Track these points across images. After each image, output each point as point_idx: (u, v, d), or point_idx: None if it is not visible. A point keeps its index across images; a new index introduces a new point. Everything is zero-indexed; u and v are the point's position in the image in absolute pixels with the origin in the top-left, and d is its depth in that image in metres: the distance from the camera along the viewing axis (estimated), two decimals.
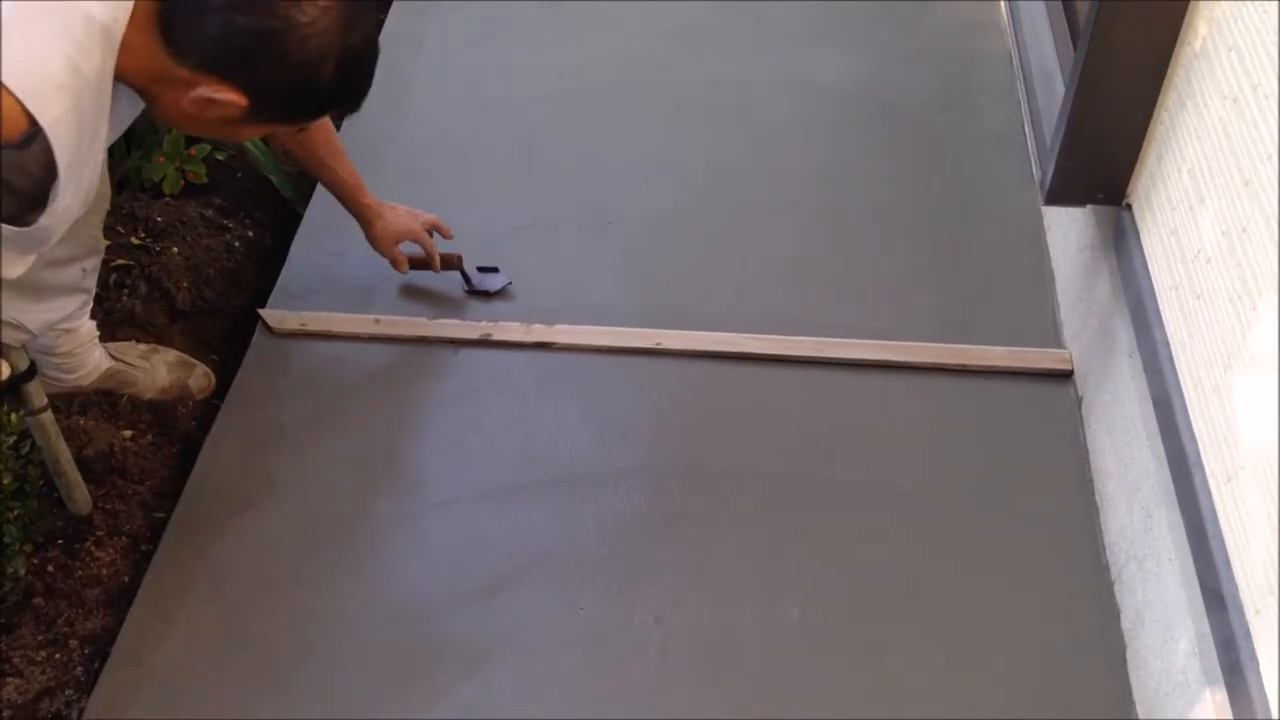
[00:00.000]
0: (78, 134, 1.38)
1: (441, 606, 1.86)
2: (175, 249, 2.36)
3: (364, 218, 2.24)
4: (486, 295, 2.32)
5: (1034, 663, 1.79)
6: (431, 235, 2.30)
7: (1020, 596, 1.87)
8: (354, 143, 2.65)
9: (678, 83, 2.86)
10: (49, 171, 1.37)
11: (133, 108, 1.61)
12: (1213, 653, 1.47)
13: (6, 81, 1.29)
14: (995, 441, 2.09)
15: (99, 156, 1.49)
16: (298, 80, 1.51)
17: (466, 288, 2.33)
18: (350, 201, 2.21)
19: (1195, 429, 1.61)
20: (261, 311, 2.28)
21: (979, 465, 2.05)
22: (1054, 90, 2.20)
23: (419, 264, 2.31)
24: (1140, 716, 1.71)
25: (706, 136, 2.73)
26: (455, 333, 2.24)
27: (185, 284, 2.32)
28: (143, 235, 2.36)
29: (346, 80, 1.56)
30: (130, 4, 1.41)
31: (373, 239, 2.26)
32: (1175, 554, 1.64)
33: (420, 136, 2.70)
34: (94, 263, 1.90)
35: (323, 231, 2.46)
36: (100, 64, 1.39)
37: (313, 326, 2.25)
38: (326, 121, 2.06)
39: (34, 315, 1.81)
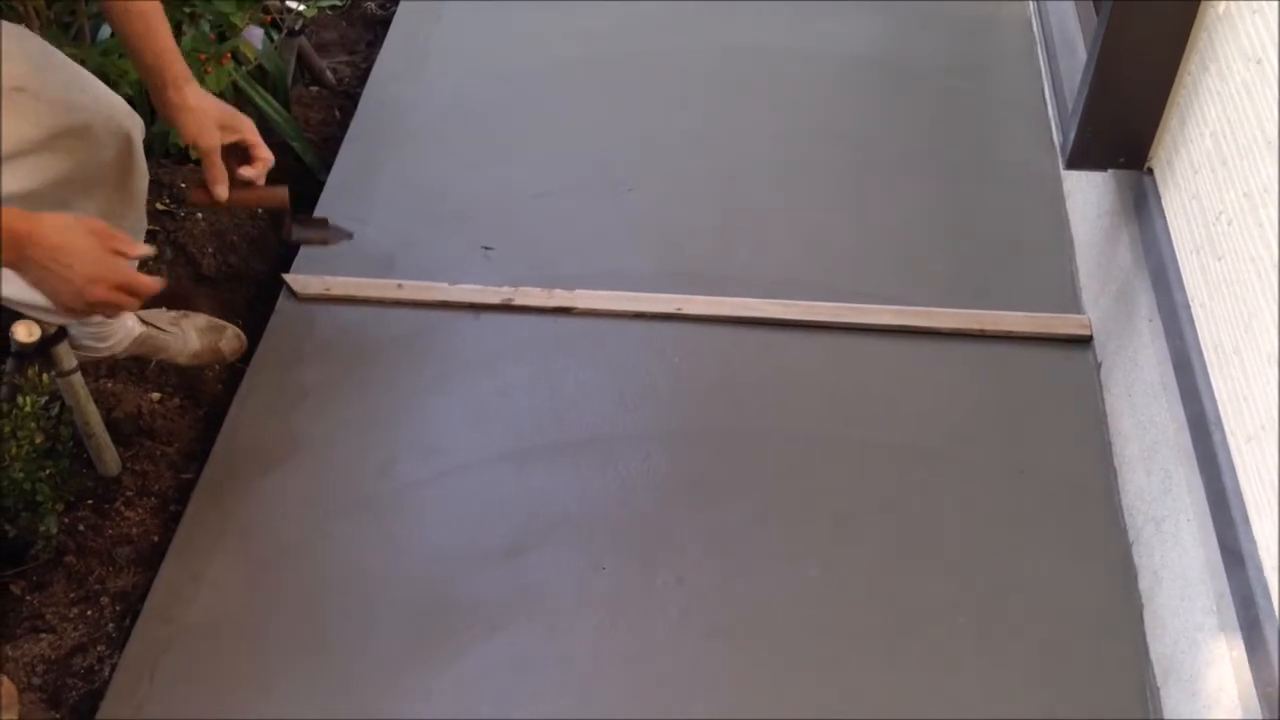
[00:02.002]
0: None
1: (465, 566, 1.88)
2: (200, 215, 2.38)
3: (162, 83, 1.67)
4: (321, 244, 1.97)
5: (1051, 622, 1.81)
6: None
7: (1038, 558, 1.88)
8: (373, 110, 2.68)
9: (696, 48, 2.86)
10: None
11: None
12: (1231, 611, 1.48)
13: None
14: (1014, 406, 2.10)
15: None
16: None
17: (286, 236, 1.88)
18: (156, 61, 1.65)
19: (1215, 390, 1.62)
20: (286, 276, 2.30)
21: (998, 429, 2.06)
22: (1075, 55, 2.20)
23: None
24: (1157, 675, 1.73)
25: (725, 103, 2.73)
26: (477, 298, 2.26)
27: (210, 249, 2.34)
28: (168, 201, 2.38)
29: None
30: None
31: (186, 120, 1.68)
32: (1194, 514, 1.66)
33: (439, 104, 2.71)
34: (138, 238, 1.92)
35: (345, 197, 2.47)
36: None
37: (336, 291, 2.27)
38: None
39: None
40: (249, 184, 1.74)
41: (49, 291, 1.50)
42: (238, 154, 1.75)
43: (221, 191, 1.72)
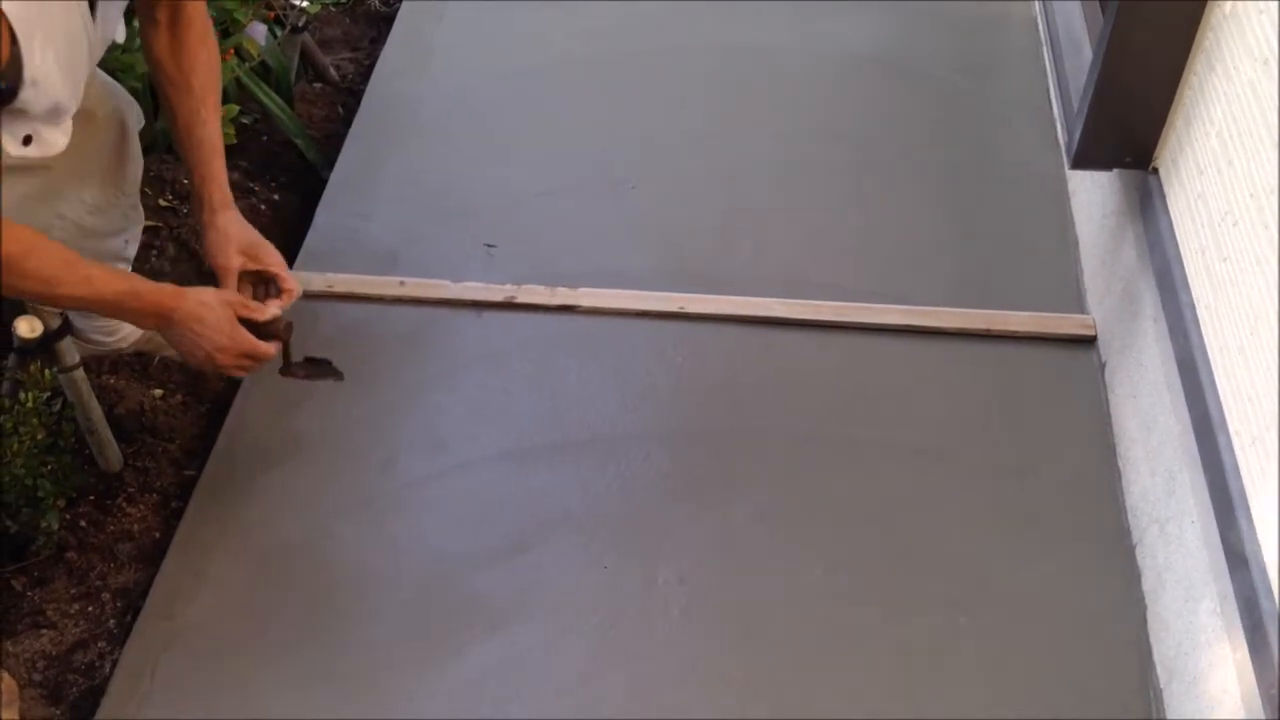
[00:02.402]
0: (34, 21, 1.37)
1: (467, 564, 1.88)
2: None
3: (202, 196, 1.79)
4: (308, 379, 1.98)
5: (1054, 623, 1.80)
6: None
7: (1041, 559, 1.88)
8: (376, 107, 2.68)
9: (698, 47, 2.86)
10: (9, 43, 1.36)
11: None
12: (1235, 612, 1.48)
13: None
14: (1018, 406, 2.10)
15: (74, 22, 1.46)
16: None
17: (283, 367, 1.88)
18: (201, 169, 1.77)
19: (1220, 391, 1.61)
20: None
21: (1001, 430, 2.06)
22: (1081, 55, 2.19)
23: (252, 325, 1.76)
24: (1161, 676, 1.72)
25: (728, 102, 2.72)
26: (480, 295, 2.26)
27: None
28: (170, 198, 2.38)
29: None
30: None
31: (209, 239, 1.79)
32: (1198, 516, 1.65)
33: (442, 102, 2.70)
34: (135, 232, 1.92)
35: (347, 195, 2.47)
36: None
37: (339, 288, 2.27)
38: (211, 47, 1.75)
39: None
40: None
41: (183, 353, 1.71)
42: (264, 283, 1.83)
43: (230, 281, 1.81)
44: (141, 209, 1.94)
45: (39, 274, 1.56)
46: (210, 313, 1.67)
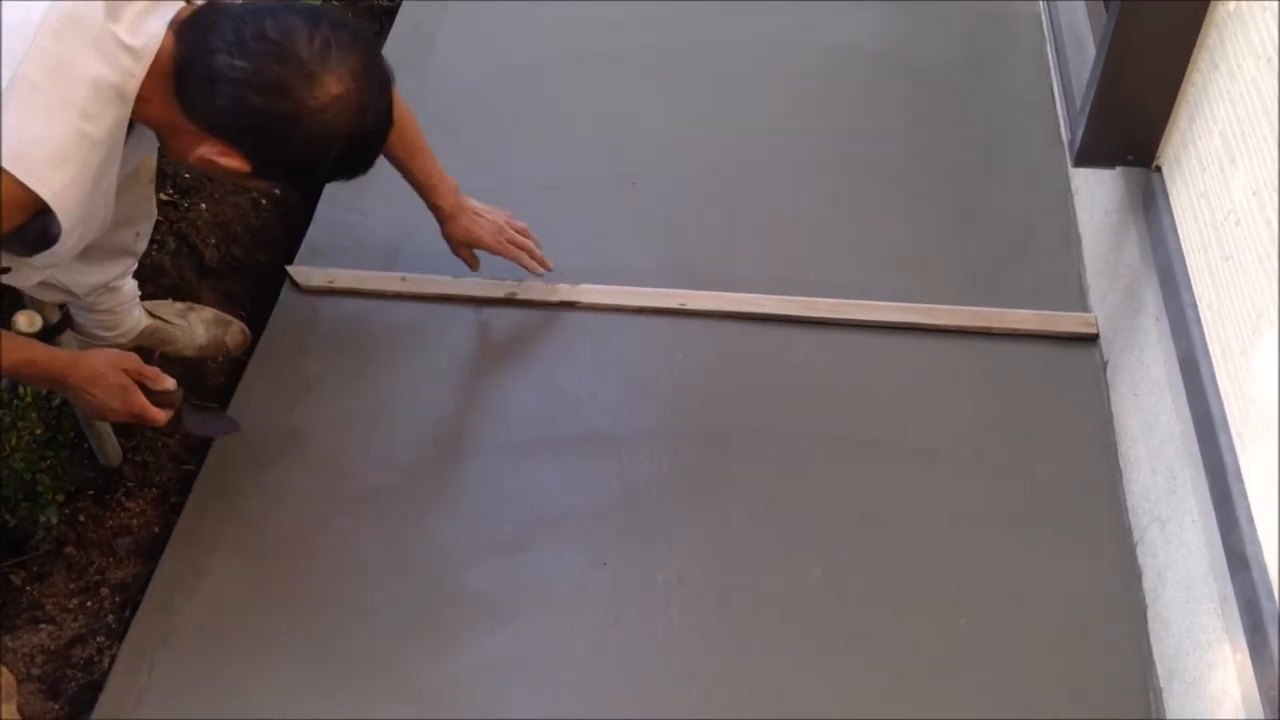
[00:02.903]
0: (87, 193, 1.46)
1: (466, 560, 1.88)
2: (203, 205, 2.37)
3: (437, 218, 2.12)
4: (209, 439, 2.02)
5: (1054, 623, 1.80)
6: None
7: (1041, 558, 1.88)
8: None
9: (702, 43, 2.85)
10: (54, 235, 1.46)
11: (153, 144, 1.67)
12: (1235, 613, 1.47)
13: (6, 165, 1.35)
14: (1019, 404, 2.09)
15: (110, 190, 1.53)
16: (302, 159, 1.53)
17: (179, 427, 1.91)
18: (424, 199, 2.11)
19: (1222, 391, 1.61)
20: (289, 268, 2.29)
21: (1002, 428, 2.05)
22: (1084, 52, 2.18)
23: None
24: (1161, 676, 1.72)
25: (731, 97, 2.71)
26: (480, 291, 2.25)
27: (213, 240, 2.34)
28: (171, 192, 2.38)
29: (352, 159, 1.58)
30: (149, 57, 1.44)
31: (446, 238, 2.15)
32: (1199, 516, 1.65)
33: (443, 97, 2.69)
34: (147, 226, 1.93)
35: (348, 190, 2.43)
36: (112, 122, 1.45)
37: (339, 284, 2.27)
38: (403, 119, 1.94)
39: (82, 278, 1.86)
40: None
41: (81, 408, 1.83)
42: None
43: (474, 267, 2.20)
44: (154, 201, 1.94)
45: None
46: (103, 380, 1.75)
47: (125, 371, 1.77)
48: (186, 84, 1.47)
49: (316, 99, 1.47)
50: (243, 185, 1.64)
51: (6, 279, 1.62)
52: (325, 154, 1.52)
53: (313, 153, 1.52)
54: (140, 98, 1.47)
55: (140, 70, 1.45)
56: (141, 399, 1.78)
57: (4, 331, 1.70)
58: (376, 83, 1.56)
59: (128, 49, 1.44)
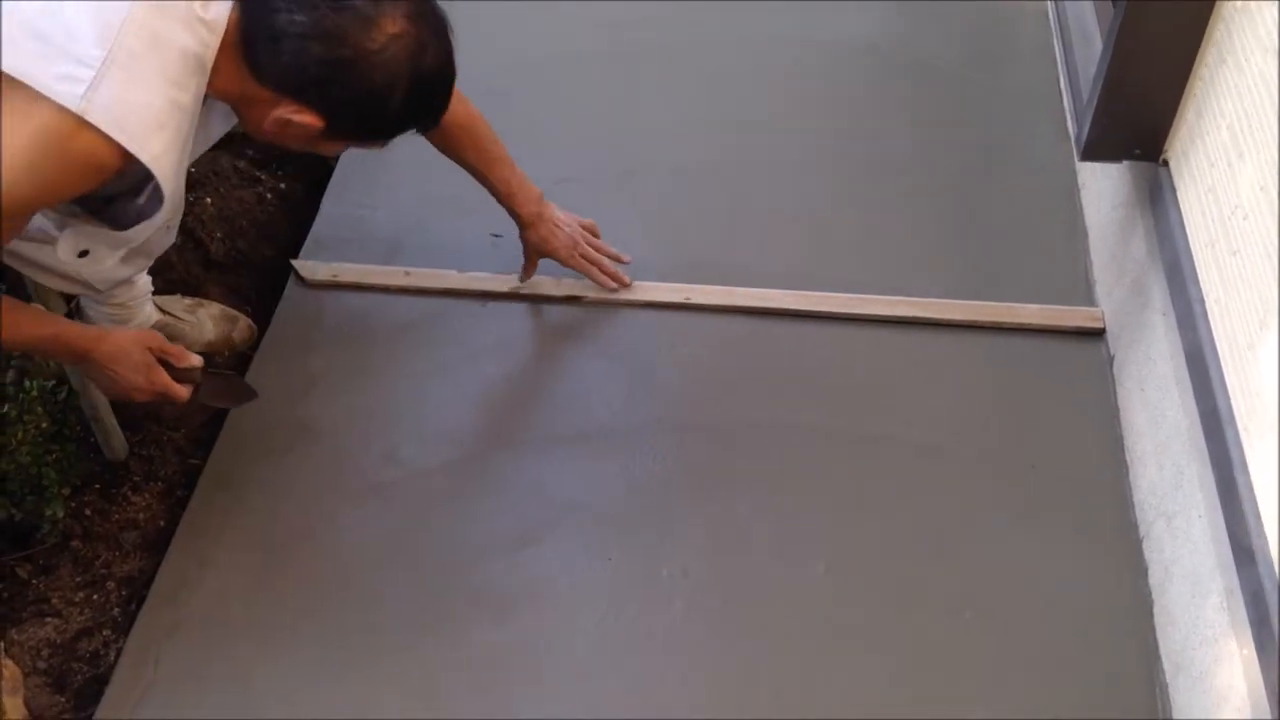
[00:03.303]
0: (178, 161, 1.52)
1: (470, 554, 1.88)
2: (209, 199, 2.37)
3: (517, 222, 2.16)
4: (225, 407, 2.04)
5: (1060, 618, 1.79)
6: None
7: (1047, 553, 1.87)
8: None
9: (707, 38, 2.84)
10: (155, 202, 1.55)
11: (226, 121, 1.73)
12: (1241, 607, 1.47)
13: (107, 127, 1.41)
14: (1025, 399, 2.09)
15: (185, 166, 1.59)
16: (369, 104, 1.58)
17: (197, 401, 1.90)
18: (503, 206, 2.14)
19: (1229, 385, 1.60)
20: (294, 262, 2.29)
21: (1008, 422, 2.05)
22: (1091, 45, 2.17)
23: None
24: (1167, 671, 1.72)
25: (736, 92, 2.71)
26: (485, 285, 2.25)
27: (219, 234, 2.34)
28: None
29: (418, 103, 1.64)
30: (221, 29, 1.51)
31: (521, 242, 2.18)
32: (1205, 510, 1.64)
33: None
34: (178, 219, 1.94)
35: (353, 184, 2.47)
36: (196, 91, 1.52)
37: (344, 278, 2.27)
38: (477, 128, 2.05)
39: (113, 272, 1.87)
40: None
41: (101, 388, 1.83)
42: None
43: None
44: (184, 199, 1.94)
45: None
46: (127, 357, 1.76)
47: (149, 349, 1.79)
48: (253, 48, 1.53)
49: (375, 40, 1.53)
50: (320, 150, 1.70)
51: (85, 262, 1.67)
52: (390, 97, 1.58)
53: (378, 96, 1.57)
54: (215, 69, 1.52)
55: (215, 41, 1.51)
56: (165, 376, 1.79)
57: (33, 305, 1.78)
58: (432, 24, 1.63)
59: (203, 21, 1.50)
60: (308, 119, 1.56)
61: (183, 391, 1.82)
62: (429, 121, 1.70)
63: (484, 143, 2.07)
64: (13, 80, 1.39)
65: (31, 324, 1.69)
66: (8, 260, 1.74)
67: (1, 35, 1.39)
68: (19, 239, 1.63)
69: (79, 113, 1.40)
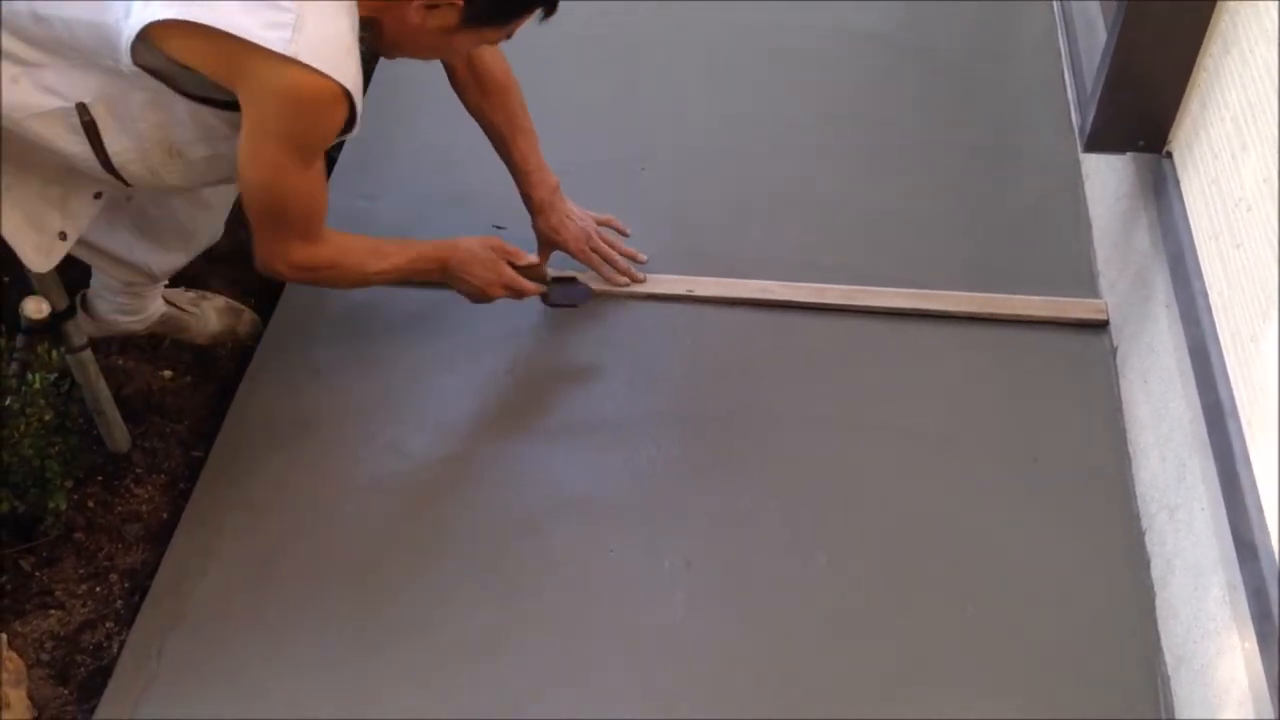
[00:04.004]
0: (360, 79, 1.58)
1: (472, 546, 1.88)
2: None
3: (528, 209, 2.16)
4: (572, 306, 2.18)
5: (1062, 611, 1.79)
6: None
7: (1050, 546, 1.87)
8: (385, 87, 2.67)
9: (712, 26, 2.84)
10: (349, 126, 1.62)
11: None
12: (1243, 601, 1.47)
13: (316, 63, 1.50)
14: (1028, 391, 2.08)
15: None
16: None
17: (545, 301, 2.14)
18: (518, 184, 2.14)
19: (1232, 378, 1.60)
20: None
21: (1011, 414, 2.05)
22: (1095, 36, 2.16)
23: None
24: (1168, 664, 1.72)
25: (740, 81, 2.71)
26: None
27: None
28: None
29: None
30: None
31: (534, 231, 2.18)
32: (1208, 503, 1.64)
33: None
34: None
35: (355, 175, 2.47)
36: (352, 7, 1.58)
37: None
38: (512, 92, 2.08)
39: (168, 260, 1.96)
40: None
41: (462, 291, 2.01)
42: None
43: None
44: None
45: (356, 266, 1.87)
46: (477, 258, 1.96)
47: (493, 249, 1.96)
48: None
49: None
50: (451, 49, 1.79)
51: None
52: None
53: None
54: None
55: None
56: (513, 272, 1.98)
57: (375, 239, 1.93)
58: None
59: None
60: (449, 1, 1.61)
61: (530, 286, 2.01)
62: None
63: (515, 108, 2.09)
64: (221, 34, 1.47)
65: (398, 253, 1.91)
66: (75, 251, 1.80)
67: None
68: (93, 232, 1.74)
69: (291, 55, 1.48)
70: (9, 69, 1.55)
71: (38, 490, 1.81)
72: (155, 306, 2.08)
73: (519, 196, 2.18)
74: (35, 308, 1.77)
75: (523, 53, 2.74)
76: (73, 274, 2.02)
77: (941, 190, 2.44)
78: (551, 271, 2.15)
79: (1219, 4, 1.76)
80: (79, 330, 1.87)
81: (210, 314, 2.18)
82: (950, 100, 2.66)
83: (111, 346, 2.11)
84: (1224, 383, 1.61)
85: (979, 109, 2.63)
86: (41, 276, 1.78)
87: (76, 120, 1.60)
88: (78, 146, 1.63)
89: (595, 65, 2.73)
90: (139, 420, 2.04)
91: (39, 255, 1.72)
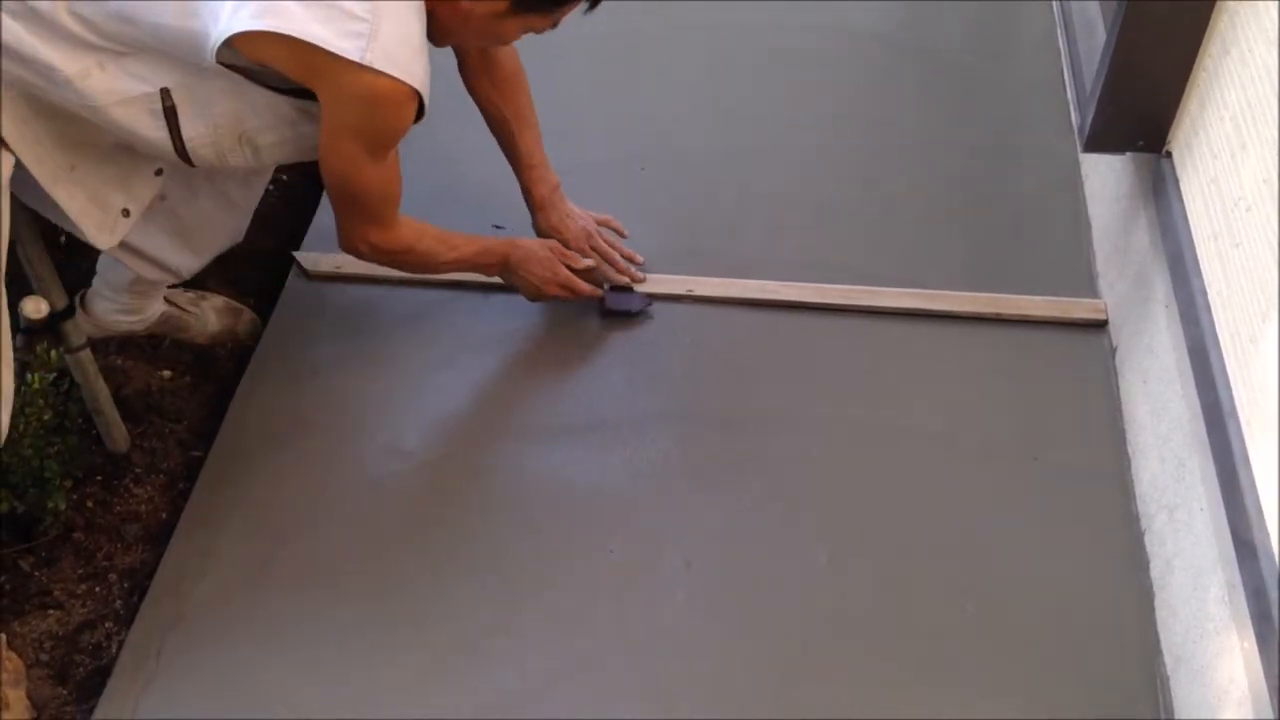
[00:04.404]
0: (428, 80, 1.64)
1: (471, 545, 1.88)
2: None
3: (528, 205, 2.17)
4: (627, 315, 2.18)
5: (1061, 610, 1.79)
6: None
7: (1049, 545, 1.87)
8: None
9: (711, 25, 2.84)
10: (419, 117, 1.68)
11: None
12: (1243, 601, 1.47)
13: (388, 68, 1.57)
14: (1028, 391, 2.08)
15: None
16: None
17: (602, 308, 2.18)
18: (520, 179, 2.16)
19: (1231, 378, 1.60)
20: (296, 254, 2.29)
21: (1011, 414, 2.05)
22: (1095, 36, 2.17)
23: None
24: (1168, 664, 1.72)
25: (740, 81, 2.71)
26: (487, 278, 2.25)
27: None
28: None
29: None
30: None
31: (534, 229, 2.19)
32: (1207, 503, 1.64)
33: (450, 82, 2.66)
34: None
35: None
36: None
37: (347, 270, 2.26)
38: (522, 84, 2.11)
39: (196, 260, 1.98)
40: None
41: (518, 286, 2.11)
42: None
43: None
44: None
45: (428, 252, 1.97)
46: (534, 255, 2.08)
47: (552, 250, 2.08)
48: None
49: None
50: (500, 35, 1.83)
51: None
52: None
53: None
54: None
55: None
56: (568, 272, 2.08)
57: (445, 231, 2.01)
58: None
59: None
60: None
61: (586, 287, 2.10)
62: None
63: (524, 101, 2.12)
64: (301, 43, 1.53)
65: (465, 245, 2.02)
66: (112, 251, 1.83)
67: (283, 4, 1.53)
68: (130, 233, 1.79)
69: (366, 63, 1.55)
70: (96, 56, 1.60)
71: (37, 490, 1.81)
72: (157, 306, 2.09)
73: (518, 195, 2.18)
74: (34, 307, 1.78)
75: (522, 51, 2.75)
76: (72, 274, 2.03)
77: (941, 190, 2.44)
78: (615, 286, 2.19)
79: (1218, 4, 1.76)
80: (78, 330, 1.87)
81: (209, 314, 2.18)
82: (950, 100, 2.66)
83: (110, 346, 2.11)
84: (1223, 382, 1.61)
85: (979, 109, 2.63)
86: (40, 276, 1.78)
87: (159, 105, 1.65)
88: (157, 132, 1.67)
89: (595, 64, 2.73)
90: (138, 420, 2.04)
91: (103, 233, 1.76)
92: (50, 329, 1.82)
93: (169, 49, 1.60)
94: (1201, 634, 1.61)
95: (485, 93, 2.11)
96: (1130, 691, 1.71)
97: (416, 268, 2.05)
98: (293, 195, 2.50)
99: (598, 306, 2.17)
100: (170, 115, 1.65)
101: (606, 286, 2.16)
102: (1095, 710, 1.69)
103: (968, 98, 2.66)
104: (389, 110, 1.64)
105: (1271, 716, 1.36)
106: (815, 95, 2.67)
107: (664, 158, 2.51)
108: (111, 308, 2.03)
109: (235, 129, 1.70)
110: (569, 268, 2.09)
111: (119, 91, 1.62)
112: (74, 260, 2.07)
